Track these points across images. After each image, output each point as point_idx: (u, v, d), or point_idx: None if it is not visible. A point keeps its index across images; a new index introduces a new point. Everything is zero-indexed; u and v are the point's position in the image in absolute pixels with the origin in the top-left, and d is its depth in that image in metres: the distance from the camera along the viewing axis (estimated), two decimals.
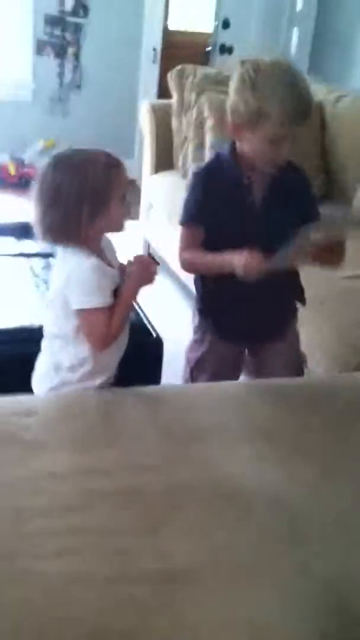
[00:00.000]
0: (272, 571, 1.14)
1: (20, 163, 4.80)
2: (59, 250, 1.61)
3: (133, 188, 1.62)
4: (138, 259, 1.65)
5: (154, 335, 2.15)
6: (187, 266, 1.84)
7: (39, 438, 1.41)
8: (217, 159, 1.82)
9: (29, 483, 1.28)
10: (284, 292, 1.89)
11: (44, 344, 1.68)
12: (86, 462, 1.35)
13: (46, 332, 1.68)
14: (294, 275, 1.90)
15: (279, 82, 1.62)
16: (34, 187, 1.56)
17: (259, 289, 1.71)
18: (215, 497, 1.29)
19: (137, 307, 2.19)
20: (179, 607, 1.06)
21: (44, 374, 1.67)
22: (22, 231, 2.64)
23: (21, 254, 2.54)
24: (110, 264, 1.61)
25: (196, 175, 1.86)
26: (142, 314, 2.21)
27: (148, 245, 3.64)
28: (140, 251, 3.61)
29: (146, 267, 1.62)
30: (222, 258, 1.72)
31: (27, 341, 1.81)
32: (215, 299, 1.89)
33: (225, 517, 1.25)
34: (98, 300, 1.54)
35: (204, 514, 1.25)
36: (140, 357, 1.99)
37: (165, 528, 1.21)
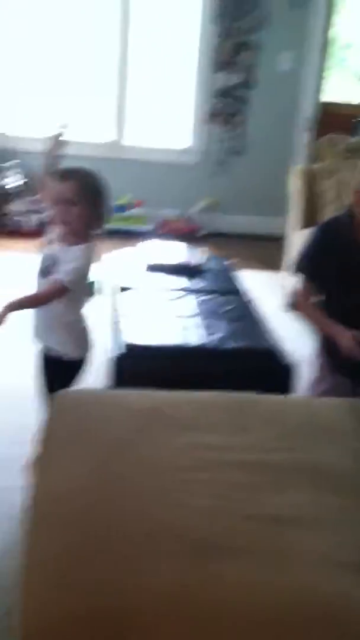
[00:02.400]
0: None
1: (187, 218, 5.46)
2: None
3: None
4: None
5: (285, 361, 2.60)
6: (295, 307, 2.19)
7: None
8: (335, 218, 2.16)
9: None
10: None
11: None
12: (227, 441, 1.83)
13: None
14: None
15: None
16: None
17: None
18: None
19: (269, 333, 2.69)
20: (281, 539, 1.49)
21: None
22: (191, 272, 3.26)
23: (191, 290, 3.12)
24: None
25: (314, 231, 2.20)
26: (274, 341, 2.68)
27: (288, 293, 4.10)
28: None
29: None
30: (329, 328, 2.04)
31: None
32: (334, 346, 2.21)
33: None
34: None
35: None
36: (273, 381, 2.46)
37: (280, 492, 1.63)
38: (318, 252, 2.16)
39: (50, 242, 2.27)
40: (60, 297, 2.17)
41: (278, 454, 1.76)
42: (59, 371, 2.31)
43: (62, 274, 2.16)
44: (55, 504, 1.53)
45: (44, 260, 2.25)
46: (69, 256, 2.18)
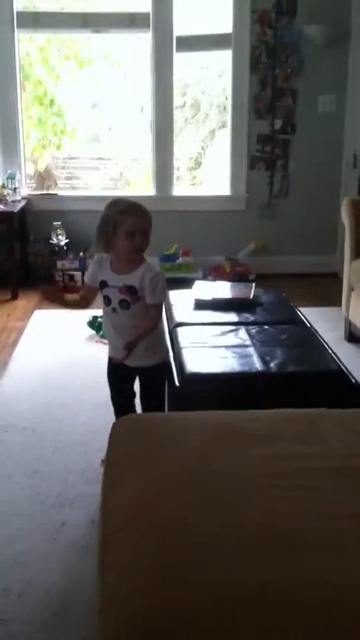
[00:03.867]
0: None
1: (234, 262, 5.47)
2: None
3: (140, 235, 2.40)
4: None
5: (354, 381, 2.54)
6: None
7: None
8: None
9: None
10: None
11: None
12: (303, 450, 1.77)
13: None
14: None
15: None
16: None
17: None
18: None
19: (335, 357, 2.63)
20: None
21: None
22: (241, 306, 3.24)
23: (241, 323, 3.09)
24: (117, 271, 2.44)
25: None
26: (341, 364, 2.62)
27: (349, 324, 4.04)
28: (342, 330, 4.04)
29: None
30: None
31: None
32: None
33: None
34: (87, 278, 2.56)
35: None
36: (342, 401, 2.39)
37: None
38: None
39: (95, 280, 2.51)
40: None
41: (355, 460, 1.71)
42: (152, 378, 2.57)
43: (156, 296, 2.44)
44: (130, 517, 1.48)
45: (115, 295, 2.46)
46: (147, 277, 2.42)
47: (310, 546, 1.36)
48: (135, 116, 5.69)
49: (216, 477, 1.62)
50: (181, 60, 5.47)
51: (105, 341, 2.84)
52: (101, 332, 4.08)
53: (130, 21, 5.36)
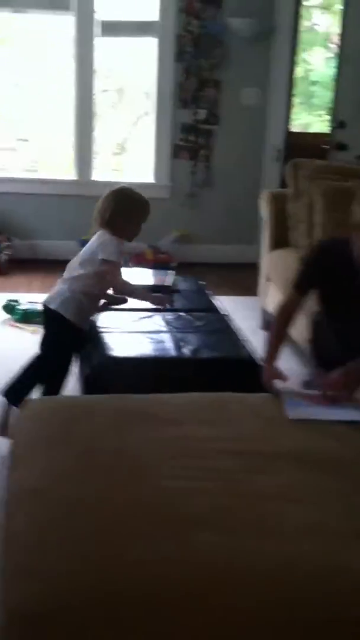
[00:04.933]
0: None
1: (156, 250, 5.49)
2: (101, 232, 2.66)
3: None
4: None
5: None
6: (275, 315, 2.27)
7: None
8: (333, 242, 2.24)
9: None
10: None
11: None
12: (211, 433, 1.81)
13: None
14: None
15: None
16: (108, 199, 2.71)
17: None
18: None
19: (245, 344, 2.70)
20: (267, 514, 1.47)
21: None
22: (163, 292, 3.27)
23: (156, 309, 3.11)
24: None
25: (313, 251, 2.30)
26: (250, 351, 2.68)
27: (264, 313, 4.12)
28: (259, 321, 4.12)
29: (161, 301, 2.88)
30: (268, 355, 2.17)
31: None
32: (323, 337, 2.32)
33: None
34: (117, 258, 2.60)
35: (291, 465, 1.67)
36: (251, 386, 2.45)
37: (262, 473, 1.63)
38: (315, 269, 2.25)
39: None
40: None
41: (257, 443, 1.76)
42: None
43: None
44: (34, 495, 1.48)
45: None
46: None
47: (206, 524, 1.39)
48: (57, 99, 5.62)
49: (121, 458, 1.64)
50: (106, 45, 5.43)
51: (20, 325, 2.84)
52: (16, 317, 4.04)
53: (50, 2, 5.28)
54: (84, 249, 2.75)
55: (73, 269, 2.69)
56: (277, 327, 2.25)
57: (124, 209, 2.70)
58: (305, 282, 2.26)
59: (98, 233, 2.71)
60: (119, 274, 2.78)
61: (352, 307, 2.21)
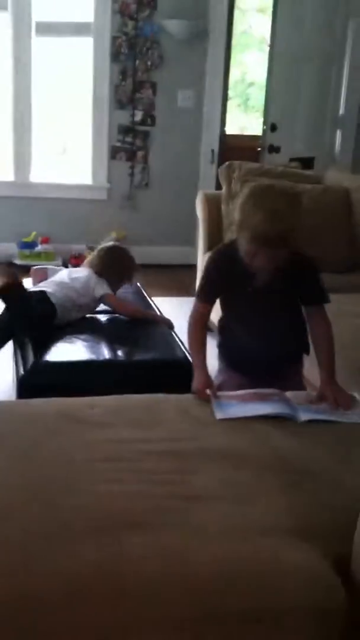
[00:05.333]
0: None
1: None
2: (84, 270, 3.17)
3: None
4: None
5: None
6: (190, 327, 2.28)
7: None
8: (231, 245, 2.21)
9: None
10: (288, 342, 2.34)
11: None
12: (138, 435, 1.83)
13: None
14: (300, 332, 2.32)
15: (258, 212, 1.99)
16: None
17: (265, 338, 2.24)
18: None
19: (180, 345, 2.73)
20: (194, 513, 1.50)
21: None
22: None
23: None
24: None
25: (211, 259, 2.30)
26: (184, 351, 2.72)
27: None
28: None
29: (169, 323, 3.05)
30: (195, 360, 2.21)
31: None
32: (230, 340, 2.37)
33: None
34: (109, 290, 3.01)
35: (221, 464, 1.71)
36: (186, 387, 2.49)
37: (192, 474, 1.66)
38: (215, 278, 2.25)
39: None
40: None
41: (186, 443, 1.79)
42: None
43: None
44: None
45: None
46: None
47: (133, 526, 1.41)
48: None
49: (48, 463, 1.64)
50: (43, 45, 5.41)
51: None
52: None
53: None
54: (74, 278, 3.08)
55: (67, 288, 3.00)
56: (195, 336, 2.25)
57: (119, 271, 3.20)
58: (209, 292, 2.26)
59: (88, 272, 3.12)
60: (122, 302, 3.16)
61: (253, 308, 2.23)
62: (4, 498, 1.51)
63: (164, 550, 1.38)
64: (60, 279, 3.08)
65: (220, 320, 2.42)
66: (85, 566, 1.31)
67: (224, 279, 2.23)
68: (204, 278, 2.29)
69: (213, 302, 2.30)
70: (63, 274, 3.15)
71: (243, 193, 2.10)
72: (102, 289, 3.04)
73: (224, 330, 2.39)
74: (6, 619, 1.24)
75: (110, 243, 3.39)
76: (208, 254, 4.03)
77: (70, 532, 1.39)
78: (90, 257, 3.32)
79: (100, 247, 3.32)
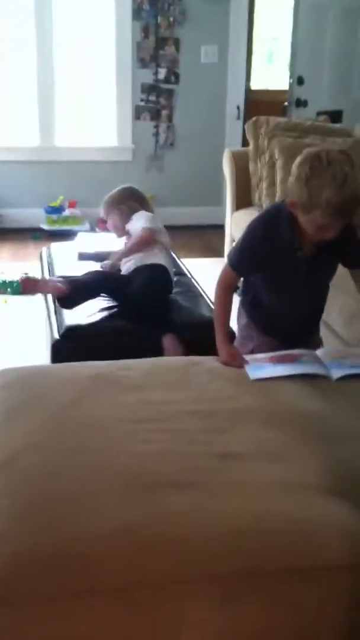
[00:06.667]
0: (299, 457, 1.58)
1: None
2: None
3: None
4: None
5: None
6: (218, 295, 2.21)
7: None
8: (277, 215, 2.10)
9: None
10: (321, 309, 2.37)
11: None
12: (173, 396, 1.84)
13: None
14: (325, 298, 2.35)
15: (329, 183, 1.87)
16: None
17: (305, 306, 2.24)
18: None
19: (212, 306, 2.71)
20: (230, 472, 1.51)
21: None
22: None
23: None
24: None
25: (255, 228, 2.16)
26: None
27: None
28: None
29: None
30: (219, 332, 2.12)
31: None
32: (264, 308, 2.30)
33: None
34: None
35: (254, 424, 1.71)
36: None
37: (226, 433, 1.67)
38: (258, 248, 2.13)
39: None
40: None
41: (222, 403, 1.79)
42: None
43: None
44: (2, 465, 1.51)
45: None
46: None
47: (170, 485, 1.43)
48: (17, 63, 5.51)
49: (85, 425, 1.66)
50: (64, 5, 5.32)
51: None
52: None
53: None
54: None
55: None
56: (223, 307, 2.18)
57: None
58: (249, 264, 2.17)
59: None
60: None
61: (297, 277, 2.16)
62: (44, 458, 1.53)
63: (203, 508, 1.39)
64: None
65: (253, 289, 2.32)
66: (127, 524, 1.33)
67: (270, 250, 2.11)
68: (245, 248, 2.15)
69: (248, 272, 2.23)
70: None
71: (297, 166, 1.95)
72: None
73: (258, 298, 2.30)
74: (47, 570, 1.27)
75: (118, 188, 3.30)
76: (245, 218, 3.99)
77: (111, 490, 1.41)
78: (130, 202, 3.23)
79: (121, 192, 3.27)
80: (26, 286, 2.94)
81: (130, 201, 3.20)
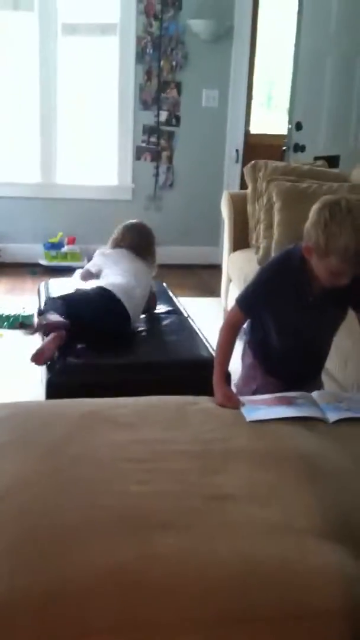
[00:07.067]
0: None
1: None
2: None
3: None
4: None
5: None
6: (223, 335, 2.22)
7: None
8: (288, 258, 2.13)
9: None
10: (327, 352, 2.38)
11: None
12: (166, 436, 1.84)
13: None
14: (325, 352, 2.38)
15: (347, 230, 1.90)
16: None
17: (312, 348, 2.26)
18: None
19: (207, 345, 2.73)
20: (222, 513, 1.51)
21: None
22: None
23: None
24: None
25: (267, 272, 2.19)
26: (212, 352, 2.72)
27: (226, 314, 4.17)
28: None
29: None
30: (217, 372, 2.13)
31: None
32: (271, 349, 2.32)
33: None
34: None
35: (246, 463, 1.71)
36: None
37: (219, 474, 1.67)
38: (270, 287, 2.17)
39: None
40: None
41: (216, 443, 1.79)
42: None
43: None
44: None
45: None
46: None
47: (162, 526, 1.42)
48: (19, 99, 5.60)
49: (77, 463, 1.66)
50: (68, 46, 5.44)
51: None
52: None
53: (14, 1, 5.29)
54: (132, 272, 3.13)
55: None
56: (226, 347, 2.19)
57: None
58: (257, 303, 2.19)
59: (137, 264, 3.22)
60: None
61: (305, 319, 2.18)
62: (35, 495, 1.52)
63: (193, 550, 1.38)
64: (127, 282, 3.00)
65: (262, 330, 2.32)
66: (117, 564, 1.32)
67: (280, 293, 2.14)
68: (255, 290, 2.18)
69: (256, 314, 2.24)
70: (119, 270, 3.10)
71: (316, 211, 1.98)
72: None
73: (266, 339, 2.31)
74: (34, 611, 1.26)
75: (134, 220, 3.50)
76: (241, 259, 4.03)
77: (101, 530, 1.40)
78: (118, 234, 3.42)
79: (125, 224, 3.46)
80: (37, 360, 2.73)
81: (120, 238, 3.40)
